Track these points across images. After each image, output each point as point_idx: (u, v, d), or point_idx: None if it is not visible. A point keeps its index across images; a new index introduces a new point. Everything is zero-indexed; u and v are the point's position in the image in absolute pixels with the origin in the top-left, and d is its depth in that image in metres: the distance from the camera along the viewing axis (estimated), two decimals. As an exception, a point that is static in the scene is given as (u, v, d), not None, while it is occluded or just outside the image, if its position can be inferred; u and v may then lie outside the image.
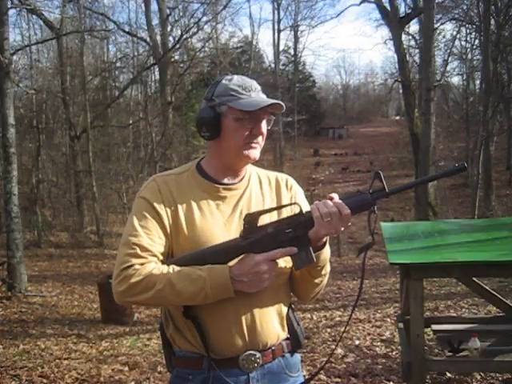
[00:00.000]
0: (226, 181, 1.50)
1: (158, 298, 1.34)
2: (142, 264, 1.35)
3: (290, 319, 1.52)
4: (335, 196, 1.38)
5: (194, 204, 1.45)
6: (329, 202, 1.34)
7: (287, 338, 1.51)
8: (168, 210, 1.44)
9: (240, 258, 1.37)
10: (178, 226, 1.43)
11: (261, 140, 1.48)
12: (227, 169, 1.50)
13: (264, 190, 1.55)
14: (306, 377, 1.64)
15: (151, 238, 1.40)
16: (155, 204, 1.43)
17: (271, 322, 1.45)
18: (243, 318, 1.41)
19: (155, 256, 1.39)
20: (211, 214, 1.45)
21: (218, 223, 1.45)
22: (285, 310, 1.51)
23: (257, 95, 1.46)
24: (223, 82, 1.47)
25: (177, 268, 1.35)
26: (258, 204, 1.50)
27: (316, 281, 1.50)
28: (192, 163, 1.56)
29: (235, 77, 1.50)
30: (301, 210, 1.39)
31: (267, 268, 1.34)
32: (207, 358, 1.40)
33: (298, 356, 1.57)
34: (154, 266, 1.36)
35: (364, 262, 1.48)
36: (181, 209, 1.44)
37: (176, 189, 1.47)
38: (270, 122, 1.50)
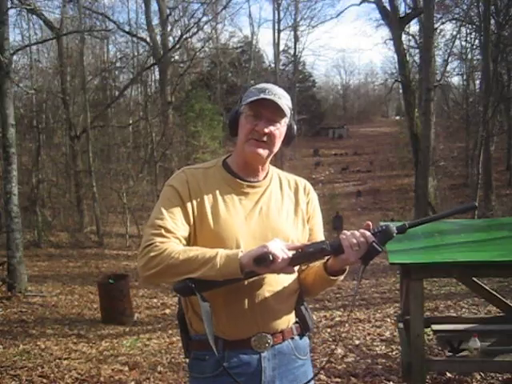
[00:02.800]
0: (249, 178, 1.59)
1: (172, 267, 1.40)
2: (163, 242, 1.44)
3: (298, 305, 1.61)
4: (367, 230, 1.42)
5: (219, 197, 1.55)
6: (356, 232, 1.41)
7: (296, 322, 1.61)
8: (194, 201, 1.52)
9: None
10: (203, 216, 1.51)
11: (267, 139, 1.53)
12: (246, 166, 1.58)
13: (284, 191, 1.65)
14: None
15: (175, 222, 1.48)
16: (181, 193, 1.52)
17: (283, 308, 1.55)
18: (257, 304, 1.49)
19: (178, 238, 1.48)
20: (234, 208, 1.54)
21: (240, 216, 1.54)
22: (295, 296, 1.60)
23: (265, 95, 1.50)
24: (251, 87, 1.59)
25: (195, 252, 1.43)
26: (277, 203, 1.60)
27: (324, 288, 1.64)
28: (218, 159, 1.65)
29: (263, 83, 1.58)
30: (325, 244, 1.44)
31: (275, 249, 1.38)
32: (221, 340, 1.49)
33: (306, 340, 1.64)
34: (174, 244, 1.45)
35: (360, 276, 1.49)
36: (207, 200, 1.53)
37: (203, 181, 1.56)
38: (278, 125, 1.54)
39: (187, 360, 1.61)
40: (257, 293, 1.49)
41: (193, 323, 1.55)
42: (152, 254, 1.41)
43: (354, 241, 1.39)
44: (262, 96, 1.49)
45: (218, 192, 1.54)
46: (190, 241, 1.52)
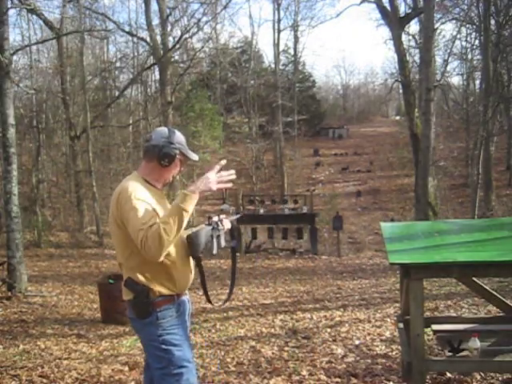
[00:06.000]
0: (159, 187, 2.50)
1: (172, 241, 2.21)
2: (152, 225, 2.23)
3: None
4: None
5: (153, 198, 2.37)
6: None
7: None
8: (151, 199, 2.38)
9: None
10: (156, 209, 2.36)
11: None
12: (160, 181, 2.49)
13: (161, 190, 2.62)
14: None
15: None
16: (146, 197, 2.34)
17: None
18: (190, 274, 2.50)
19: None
20: (160, 204, 2.42)
21: (164, 208, 2.41)
22: None
23: (196, 158, 2.51)
24: (177, 134, 2.44)
25: (165, 216, 2.25)
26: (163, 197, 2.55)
27: None
28: (137, 178, 2.41)
29: (178, 133, 2.45)
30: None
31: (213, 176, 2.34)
32: (177, 295, 2.41)
33: None
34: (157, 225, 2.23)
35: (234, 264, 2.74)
36: (153, 200, 2.35)
37: (144, 186, 2.39)
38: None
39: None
40: (191, 269, 2.48)
41: (161, 290, 2.32)
42: (158, 239, 2.15)
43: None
44: (195, 158, 2.47)
45: (151, 196, 2.36)
46: None
